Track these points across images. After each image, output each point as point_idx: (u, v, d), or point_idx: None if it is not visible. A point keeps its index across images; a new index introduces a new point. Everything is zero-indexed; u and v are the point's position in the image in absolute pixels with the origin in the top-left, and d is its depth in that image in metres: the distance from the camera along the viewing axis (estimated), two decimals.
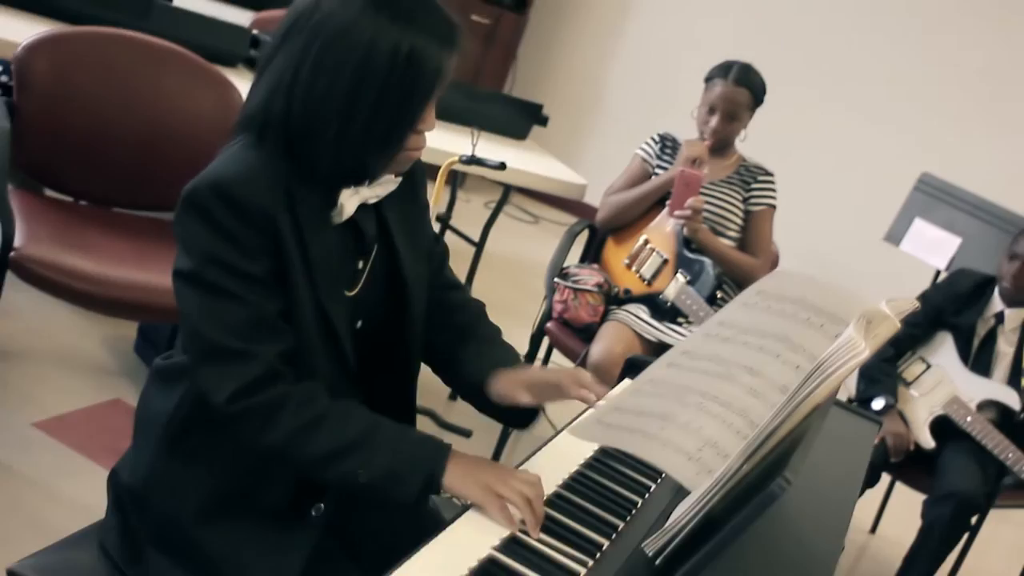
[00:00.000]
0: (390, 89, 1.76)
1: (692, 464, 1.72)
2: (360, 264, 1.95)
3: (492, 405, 2.07)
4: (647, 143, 4.15)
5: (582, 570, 1.68)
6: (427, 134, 1.89)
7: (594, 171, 4.85)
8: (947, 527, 3.79)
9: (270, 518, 1.88)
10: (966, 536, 3.92)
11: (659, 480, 2.05)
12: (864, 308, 1.57)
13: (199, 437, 1.88)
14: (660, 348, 3.67)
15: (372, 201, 1.91)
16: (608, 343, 3.68)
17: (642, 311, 3.81)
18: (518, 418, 2.10)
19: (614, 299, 3.89)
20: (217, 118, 3.64)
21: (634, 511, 1.91)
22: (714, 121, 3.95)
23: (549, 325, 3.93)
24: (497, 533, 1.71)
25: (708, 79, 4.00)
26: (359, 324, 1.95)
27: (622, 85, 7.61)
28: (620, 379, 2.48)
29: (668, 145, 4.12)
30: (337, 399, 1.84)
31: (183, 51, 3.62)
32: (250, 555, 1.85)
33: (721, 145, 4.02)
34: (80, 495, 3.14)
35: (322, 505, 1.89)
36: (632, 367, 2.49)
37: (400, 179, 1.95)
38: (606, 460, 2.05)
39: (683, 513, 1.58)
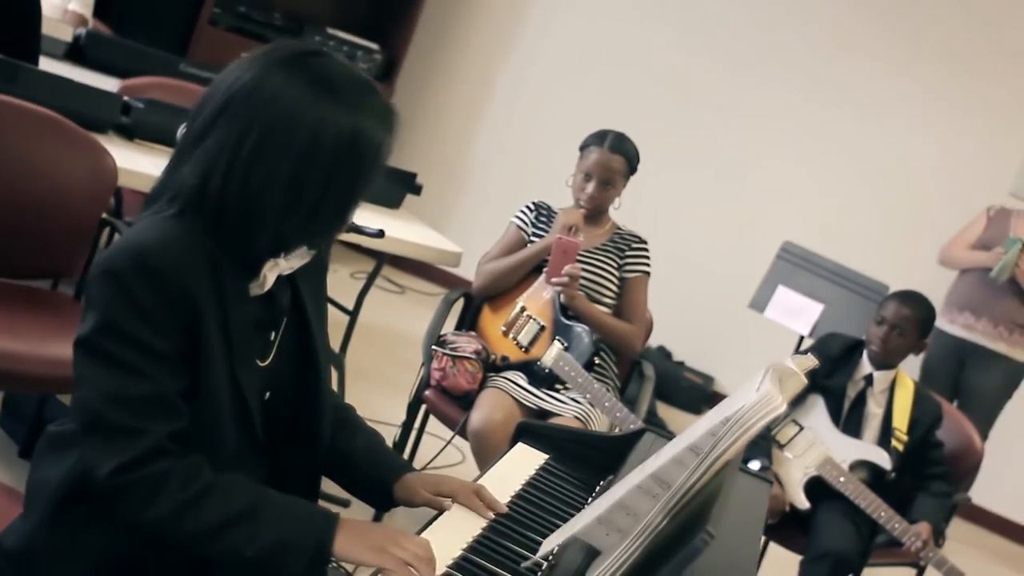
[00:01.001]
0: (335, 174, 1.75)
1: (601, 526, 1.72)
2: (272, 335, 1.91)
3: (367, 498, 2.11)
4: (522, 211, 4.18)
5: None
6: None
7: (463, 240, 4.85)
8: None
9: None
10: None
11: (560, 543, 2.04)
12: (774, 365, 1.59)
13: (90, 507, 1.82)
14: (539, 415, 3.68)
15: (288, 272, 1.88)
16: (488, 410, 3.67)
17: (520, 378, 3.81)
18: (384, 501, 2.09)
19: (492, 366, 3.89)
20: (90, 185, 3.56)
21: (540, 573, 1.90)
22: (590, 187, 3.99)
23: (427, 393, 3.90)
24: None
25: (583, 147, 4.05)
26: (267, 395, 1.91)
27: (488, 155, 7.66)
28: (512, 444, 2.46)
29: (543, 213, 4.14)
30: (238, 472, 1.80)
31: (55, 116, 3.54)
32: None
33: (596, 212, 4.06)
34: None
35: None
36: (523, 432, 2.48)
37: (314, 251, 1.93)
38: (507, 523, 2.03)
39: (602, 571, 1.57)
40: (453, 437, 3.74)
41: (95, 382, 1.73)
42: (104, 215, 3.60)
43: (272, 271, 1.85)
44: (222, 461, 1.79)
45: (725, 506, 1.52)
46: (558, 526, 2.07)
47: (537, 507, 2.13)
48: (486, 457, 3.61)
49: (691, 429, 1.80)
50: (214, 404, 1.79)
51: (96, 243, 3.65)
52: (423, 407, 3.98)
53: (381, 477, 2.05)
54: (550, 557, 1.92)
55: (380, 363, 5.60)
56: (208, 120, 1.78)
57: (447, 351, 3.86)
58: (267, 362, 1.91)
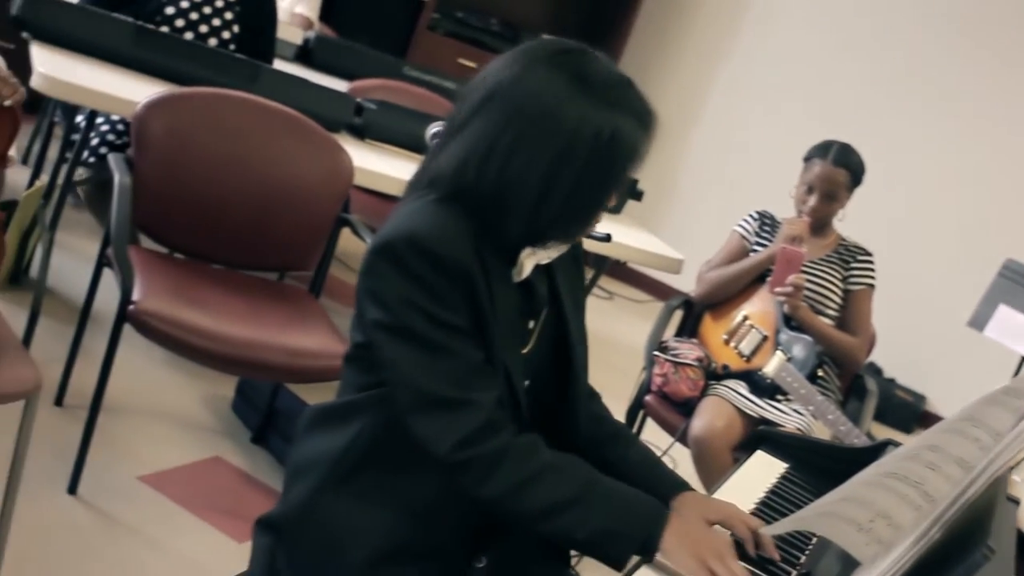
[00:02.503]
0: (590, 171, 1.78)
1: (862, 535, 1.71)
2: (531, 323, 1.96)
3: None
4: (745, 220, 4.16)
5: None
6: None
7: (676, 246, 4.84)
8: None
9: (434, 567, 1.87)
10: None
11: (807, 550, 2.03)
12: None
13: (372, 476, 1.88)
14: (760, 424, 3.66)
15: (545, 262, 1.92)
16: (709, 418, 3.66)
17: (742, 387, 3.79)
18: None
19: (713, 374, 3.88)
20: (328, 182, 3.68)
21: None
22: (812, 200, 3.96)
23: (648, 398, 3.91)
24: None
25: (807, 158, 4.01)
26: (527, 383, 1.95)
27: (703, 161, 7.62)
28: (751, 448, 2.45)
29: (767, 222, 4.12)
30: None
31: (296, 114, 3.67)
32: None
33: (820, 224, 4.02)
34: (184, 549, 3.15)
35: (484, 558, 1.87)
36: (762, 439, 2.48)
37: (569, 243, 1.97)
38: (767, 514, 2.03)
39: None
40: (673, 443, 3.74)
41: (407, 361, 1.79)
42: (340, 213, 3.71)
43: (530, 259, 1.89)
44: None
45: (1003, 523, 1.49)
46: (805, 535, 2.06)
47: (782, 516, 2.12)
48: (707, 465, 3.61)
49: (940, 439, 1.77)
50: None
51: (333, 240, 3.77)
52: (641, 412, 3.99)
53: (657, 491, 2.00)
54: (800, 563, 1.92)
55: (599, 371, 5.63)
56: (469, 111, 1.84)
57: (669, 357, 3.86)
58: (527, 349, 1.95)
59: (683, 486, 2.04)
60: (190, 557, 3.12)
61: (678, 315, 4.29)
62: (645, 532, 1.79)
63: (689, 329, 4.20)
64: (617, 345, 4.84)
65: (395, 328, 1.78)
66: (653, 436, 4.16)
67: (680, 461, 3.94)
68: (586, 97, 1.77)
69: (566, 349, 2.02)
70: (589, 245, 3.88)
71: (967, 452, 1.66)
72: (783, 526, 1.88)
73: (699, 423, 3.66)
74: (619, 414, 3.97)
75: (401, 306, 1.77)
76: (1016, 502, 2.42)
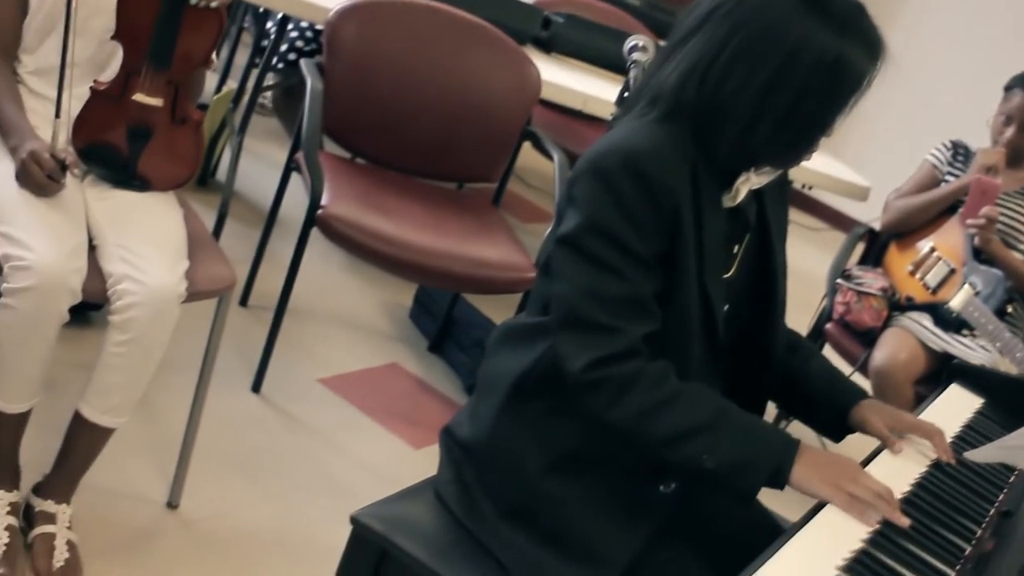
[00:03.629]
0: (808, 94, 1.73)
1: None
2: (736, 248, 1.92)
3: (813, 408, 2.07)
4: (938, 149, 4.03)
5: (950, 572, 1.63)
6: None
7: (872, 173, 4.71)
8: None
9: (620, 485, 1.86)
10: None
11: (1005, 487, 1.98)
12: None
13: (553, 398, 1.87)
14: (943, 359, 3.56)
15: (756, 187, 1.88)
16: (892, 350, 3.58)
17: (926, 319, 3.69)
18: (836, 425, 2.06)
19: (897, 305, 3.78)
20: (516, 95, 3.66)
21: (985, 520, 1.84)
22: (1010, 132, 3.81)
23: (828, 326, 3.84)
24: (853, 535, 1.65)
25: (1008, 88, 3.86)
26: (726, 308, 1.92)
27: (888, 87, 7.40)
28: (943, 383, 2.39)
29: (960, 153, 3.99)
30: (698, 381, 1.82)
31: (487, 25, 3.65)
32: (594, 519, 1.84)
33: (1016, 156, 3.87)
34: (361, 451, 3.20)
35: (673, 484, 1.86)
36: (957, 373, 2.41)
37: (782, 169, 1.92)
38: (938, 475, 1.97)
39: None
40: (852, 373, 3.66)
41: (575, 278, 1.78)
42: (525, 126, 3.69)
43: (744, 185, 1.85)
44: (687, 370, 1.81)
45: None
46: (1003, 472, 2.00)
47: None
48: (887, 397, 3.52)
49: None
50: (684, 311, 1.81)
51: (516, 152, 3.76)
52: (821, 340, 3.92)
53: (838, 400, 2.02)
54: (998, 500, 1.87)
55: None
56: (695, 23, 1.80)
57: (852, 286, 3.78)
58: (729, 275, 1.92)
59: (863, 394, 2.03)
60: (368, 460, 3.17)
61: (859, 246, 4.19)
62: (775, 462, 1.75)
63: (873, 258, 4.10)
64: (792, 272, 4.75)
65: (576, 244, 1.77)
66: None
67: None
68: (814, 18, 1.72)
69: (769, 276, 1.97)
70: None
71: None
72: (984, 454, 1.83)
73: (881, 354, 3.58)
74: None
75: (591, 223, 1.76)
76: None
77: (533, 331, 1.91)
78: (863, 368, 3.64)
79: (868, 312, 3.73)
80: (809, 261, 5.79)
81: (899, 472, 1.89)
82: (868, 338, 3.72)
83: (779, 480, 1.75)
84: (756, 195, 1.92)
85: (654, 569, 1.83)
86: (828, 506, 1.71)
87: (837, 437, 2.06)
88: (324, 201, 3.14)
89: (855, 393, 2.04)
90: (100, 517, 2.60)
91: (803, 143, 1.82)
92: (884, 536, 1.66)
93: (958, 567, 1.66)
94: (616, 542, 1.83)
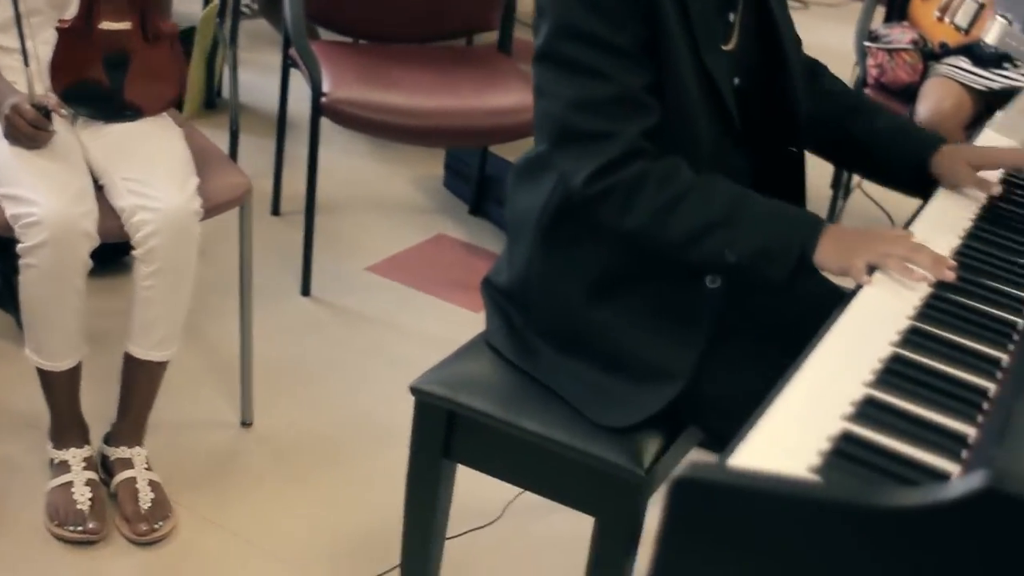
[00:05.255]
0: None
1: None
2: (731, 16, 1.80)
3: (903, 183, 1.99)
4: None
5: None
6: None
7: None
8: None
9: (665, 292, 1.77)
10: None
11: None
12: None
13: (576, 224, 1.79)
14: (991, 97, 3.42)
15: None
16: (935, 100, 3.44)
17: (964, 62, 3.54)
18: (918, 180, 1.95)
19: (931, 55, 3.63)
20: None
21: None
22: None
23: (866, 91, 3.70)
24: (899, 310, 1.50)
25: None
26: (737, 81, 1.81)
27: None
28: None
29: None
30: (719, 168, 1.72)
31: None
32: (648, 335, 1.77)
33: None
34: (425, 327, 3.16)
35: (719, 278, 1.76)
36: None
37: None
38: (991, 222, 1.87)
39: None
40: None
41: (557, 92, 1.68)
42: None
43: None
44: (701, 157, 1.72)
45: None
46: None
47: None
48: None
49: None
50: (683, 95, 1.70)
51: None
52: None
53: (913, 152, 1.91)
54: None
55: None
56: None
57: (881, 45, 3.63)
58: (731, 45, 1.80)
59: (940, 140, 1.94)
60: (432, 334, 3.12)
61: (880, 10, 4.03)
62: (799, 246, 1.63)
63: (898, 13, 3.92)
64: (820, 53, 4.59)
65: (551, 55, 1.67)
66: None
67: None
68: None
69: (775, 40, 1.85)
70: None
71: None
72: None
73: (925, 107, 3.45)
74: None
75: (561, 28, 1.65)
76: None
77: (542, 162, 1.82)
78: None
79: (903, 68, 3.59)
80: (835, 37, 5.60)
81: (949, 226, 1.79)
82: (908, 94, 3.58)
83: (804, 264, 1.64)
84: None
85: (722, 371, 1.75)
86: (876, 275, 1.58)
87: (922, 192, 1.94)
88: (326, 88, 3.06)
89: (931, 141, 1.94)
90: (179, 451, 2.58)
91: None
92: (936, 302, 1.53)
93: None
94: (675, 353, 1.75)
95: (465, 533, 2.41)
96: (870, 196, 4.18)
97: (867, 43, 3.68)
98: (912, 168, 1.93)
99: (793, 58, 1.87)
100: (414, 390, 1.86)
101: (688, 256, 1.69)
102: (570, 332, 1.81)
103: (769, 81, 1.86)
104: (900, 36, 3.64)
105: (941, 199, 1.88)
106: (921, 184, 1.93)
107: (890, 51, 3.61)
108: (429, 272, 3.44)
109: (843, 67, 3.99)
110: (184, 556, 2.32)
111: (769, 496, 1.01)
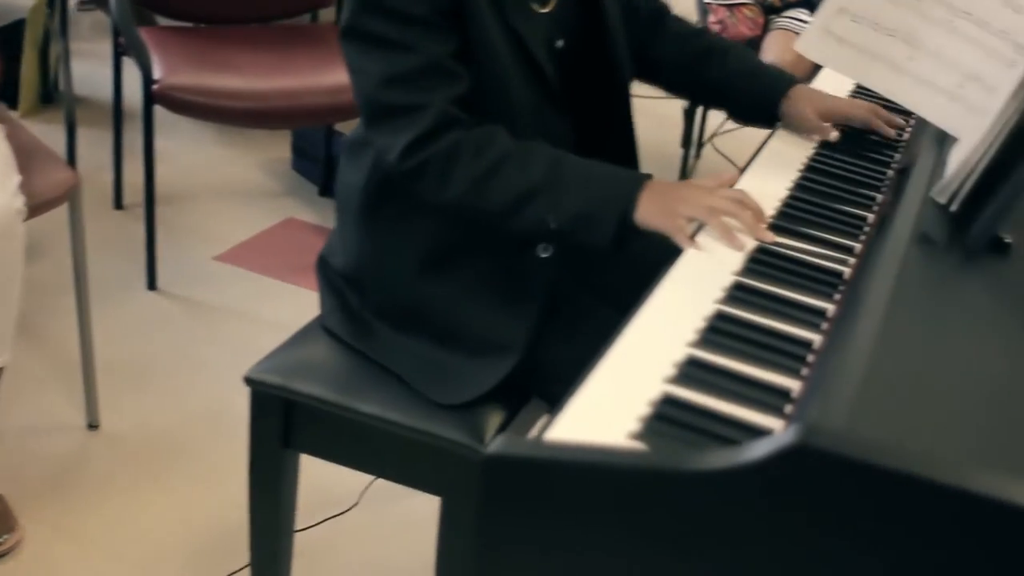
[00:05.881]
0: None
1: (955, 105, 1.54)
2: None
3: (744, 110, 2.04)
4: None
5: (856, 245, 1.53)
6: None
7: None
8: None
9: (497, 264, 1.73)
10: None
11: (900, 146, 1.88)
12: None
13: (400, 198, 1.74)
14: None
15: None
16: (776, 53, 3.45)
17: (802, 13, 3.56)
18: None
19: (771, 8, 3.65)
20: None
21: (886, 178, 1.74)
22: None
23: None
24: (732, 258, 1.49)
25: None
26: (559, 43, 1.77)
27: None
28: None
29: None
30: (540, 134, 1.68)
31: None
32: (481, 307, 1.73)
33: None
34: (276, 314, 3.08)
35: (550, 247, 1.72)
36: None
37: None
38: (826, 153, 1.87)
39: (971, 155, 1.40)
40: None
41: (364, 67, 1.63)
42: None
43: None
44: (519, 123, 1.67)
45: None
46: (895, 142, 1.90)
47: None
48: None
49: None
50: (493, 60, 1.65)
51: None
52: None
53: (763, 94, 1.93)
54: (895, 160, 1.78)
55: None
56: None
57: (722, 2, 3.63)
58: (549, 7, 1.75)
59: (791, 82, 1.94)
60: (284, 320, 2.99)
61: None
62: (620, 208, 1.58)
63: None
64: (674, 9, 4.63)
65: (355, 31, 1.63)
66: None
67: None
68: None
69: (593, 2, 1.80)
70: None
71: None
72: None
73: (768, 60, 3.45)
74: None
75: (361, 3, 1.61)
76: None
77: (363, 140, 1.77)
78: None
79: (744, 23, 3.60)
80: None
81: (783, 166, 1.79)
82: (752, 48, 3.59)
83: (627, 223, 1.59)
84: None
85: (559, 339, 1.72)
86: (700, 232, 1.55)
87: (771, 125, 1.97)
88: (157, 75, 2.96)
89: (781, 84, 1.94)
90: (23, 460, 2.48)
91: None
92: (761, 256, 1.49)
93: (862, 237, 1.55)
94: (509, 325, 1.71)
95: (322, 522, 2.36)
96: (722, 152, 4.19)
97: (707, 0, 3.68)
98: (765, 109, 1.95)
99: (614, 18, 1.83)
100: (248, 380, 1.80)
101: (511, 225, 1.64)
102: (404, 310, 1.76)
103: (592, 42, 1.82)
104: None
105: (776, 142, 1.88)
106: (770, 121, 1.97)
107: (730, 6, 3.61)
108: (279, 257, 3.36)
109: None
110: (34, 568, 2.23)
111: (579, 468, 0.98)
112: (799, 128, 1.91)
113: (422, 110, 1.60)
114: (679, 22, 2.02)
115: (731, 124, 3.80)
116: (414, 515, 2.40)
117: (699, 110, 3.79)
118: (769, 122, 1.97)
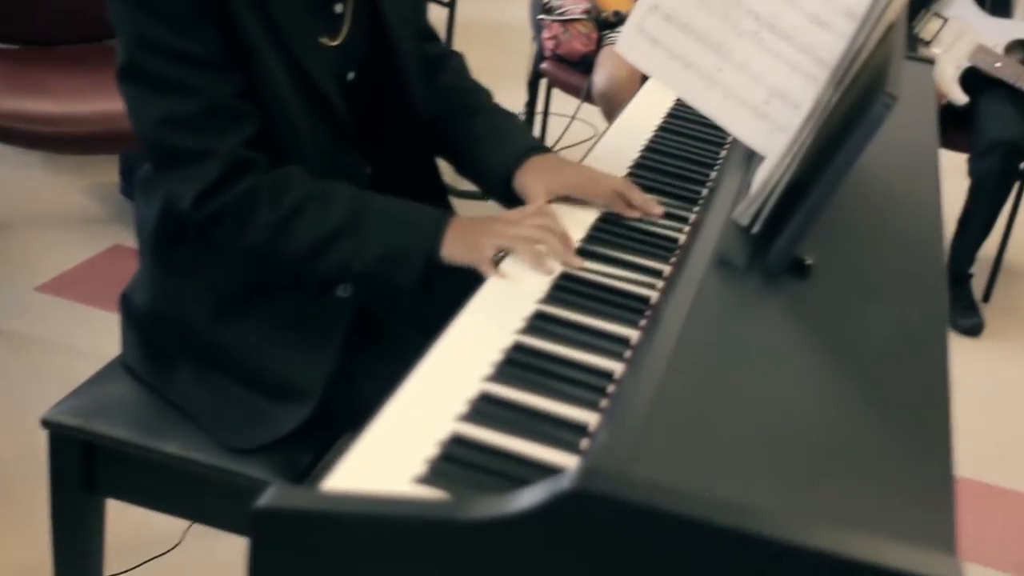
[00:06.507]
0: None
1: (761, 122, 1.52)
2: (339, 8, 1.68)
3: (482, 176, 1.83)
4: None
5: (665, 268, 1.50)
6: None
7: None
8: (997, 177, 3.60)
9: (294, 307, 1.67)
10: (1016, 187, 3.74)
11: (717, 164, 1.86)
12: None
13: (192, 242, 1.66)
14: None
15: None
16: (611, 68, 3.45)
17: None
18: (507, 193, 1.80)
19: (605, 23, 3.64)
20: None
21: (701, 197, 1.72)
22: None
23: (544, 65, 3.68)
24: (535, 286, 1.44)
25: None
26: (351, 76, 1.71)
27: None
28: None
29: None
30: (334, 170, 1.62)
31: None
32: (278, 351, 1.66)
33: None
34: (101, 345, 2.94)
35: (349, 285, 1.67)
36: None
37: None
38: (658, 151, 1.84)
39: (772, 173, 1.38)
40: (580, 105, 3.53)
41: (145, 111, 1.54)
42: None
43: None
44: (312, 161, 1.61)
45: (901, 70, 1.29)
46: (709, 163, 1.88)
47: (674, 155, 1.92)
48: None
49: None
50: (279, 98, 1.58)
51: None
52: (543, 82, 3.77)
53: (505, 162, 1.77)
54: (709, 180, 1.75)
55: (490, 56, 5.34)
56: None
57: (555, 17, 3.62)
58: (340, 40, 1.68)
59: (533, 151, 1.78)
60: (110, 352, 2.93)
61: None
62: (425, 246, 1.54)
63: None
64: (514, 26, 4.60)
65: (130, 72, 1.52)
66: (560, 104, 3.96)
67: (593, 120, 3.75)
68: None
69: (385, 33, 1.73)
70: None
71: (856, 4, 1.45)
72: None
73: (601, 77, 3.45)
74: (520, 92, 3.79)
75: (133, 43, 1.50)
76: (931, 62, 2.25)
77: (154, 178, 1.69)
78: (589, 96, 3.51)
79: (577, 39, 3.58)
80: (519, 12, 5.61)
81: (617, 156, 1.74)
82: (586, 65, 3.59)
83: (433, 262, 1.55)
84: None
85: (366, 374, 1.66)
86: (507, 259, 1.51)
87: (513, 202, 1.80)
88: None
89: (523, 152, 1.78)
90: None
91: None
92: (566, 283, 1.45)
93: (672, 260, 1.53)
94: (307, 369, 1.65)
95: (144, 563, 2.26)
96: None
97: (541, 16, 3.66)
98: (498, 180, 1.79)
99: (406, 49, 1.76)
100: (45, 422, 1.71)
101: (315, 269, 1.59)
102: (203, 350, 1.69)
103: (383, 75, 1.76)
104: (573, 6, 3.63)
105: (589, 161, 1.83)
106: (509, 196, 1.79)
107: (564, 22, 3.59)
108: (105, 286, 3.24)
109: (525, 42, 3.98)
110: None
111: (351, 520, 0.92)
112: (523, 192, 1.76)
113: (210, 156, 1.52)
114: (456, 75, 1.93)
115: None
116: (239, 554, 2.31)
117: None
118: (505, 197, 1.80)
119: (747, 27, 1.51)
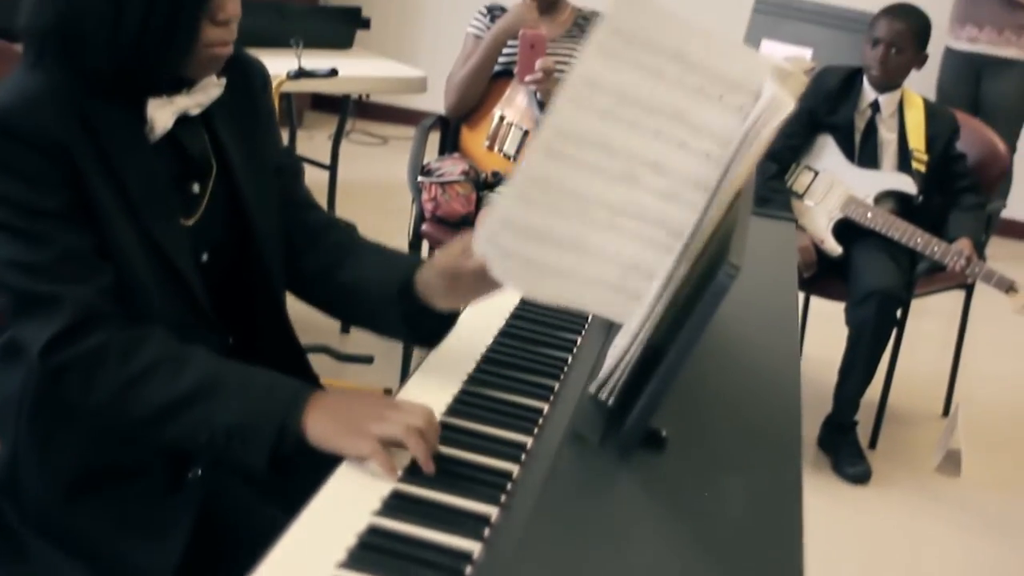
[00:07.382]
0: None
1: (619, 296, 1.52)
2: (196, 188, 1.68)
3: (398, 320, 1.74)
4: (476, 18, 3.92)
5: (527, 442, 1.48)
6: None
7: (433, 66, 4.59)
8: (874, 326, 3.66)
9: (143, 492, 1.63)
10: (895, 334, 3.81)
11: (583, 331, 1.86)
12: (771, 65, 1.37)
13: (53, 411, 1.62)
14: None
15: (195, 112, 1.64)
16: None
17: None
18: (429, 331, 1.77)
19: (484, 184, 3.68)
20: None
21: (566, 368, 1.71)
22: None
23: (425, 227, 3.70)
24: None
25: None
26: (205, 257, 1.70)
27: None
28: None
29: (497, 15, 3.87)
30: (189, 336, 1.58)
31: None
32: (125, 535, 1.61)
33: (548, 3, 3.81)
34: None
35: (199, 469, 1.63)
36: None
37: (223, 82, 1.67)
38: (524, 318, 1.84)
39: (626, 343, 1.38)
40: None
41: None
42: None
43: (162, 111, 1.59)
44: (169, 327, 1.57)
45: (745, 238, 1.31)
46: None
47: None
48: None
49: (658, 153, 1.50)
50: (129, 269, 1.56)
51: None
52: (424, 244, 3.78)
53: (397, 281, 1.71)
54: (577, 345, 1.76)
55: (373, 217, 5.36)
56: None
57: (435, 179, 3.64)
58: (194, 220, 1.67)
59: (418, 263, 1.73)
60: None
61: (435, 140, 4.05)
62: (279, 420, 1.46)
63: (450, 145, 3.97)
64: (397, 187, 4.64)
65: None
66: None
67: None
68: None
69: (240, 207, 1.73)
70: (320, 86, 3.63)
71: (700, 171, 1.47)
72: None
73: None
74: (404, 250, 3.80)
75: None
76: (793, 220, 2.29)
77: (11, 344, 1.66)
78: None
79: (457, 200, 3.61)
80: (396, 171, 5.66)
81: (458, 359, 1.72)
82: (465, 225, 3.60)
83: (288, 442, 1.46)
84: (206, 123, 1.69)
85: (215, 560, 1.61)
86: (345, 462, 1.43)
87: (426, 335, 1.76)
88: None
89: (411, 265, 1.73)
90: None
91: (181, 34, 1.52)
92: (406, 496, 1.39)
93: (537, 431, 1.51)
94: (154, 553, 1.60)
95: None
96: None
97: (421, 178, 3.69)
98: (399, 294, 1.72)
99: (265, 227, 1.75)
100: None
101: (160, 437, 1.54)
102: (52, 533, 1.63)
103: (243, 255, 1.75)
104: (452, 168, 3.66)
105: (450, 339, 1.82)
106: (423, 319, 1.73)
107: (443, 184, 3.62)
108: None
109: (403, 200, 4.00)
110: None
111: None
112: (440, 298, 1.70)
113: (60, 302, 1.49)
114: (344, 232, 1.89)
115: None
116: None
117: None
118: (410, 311, 1.73)
119: (600, 217, 1.49)
